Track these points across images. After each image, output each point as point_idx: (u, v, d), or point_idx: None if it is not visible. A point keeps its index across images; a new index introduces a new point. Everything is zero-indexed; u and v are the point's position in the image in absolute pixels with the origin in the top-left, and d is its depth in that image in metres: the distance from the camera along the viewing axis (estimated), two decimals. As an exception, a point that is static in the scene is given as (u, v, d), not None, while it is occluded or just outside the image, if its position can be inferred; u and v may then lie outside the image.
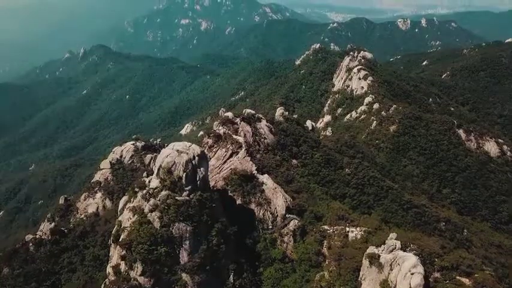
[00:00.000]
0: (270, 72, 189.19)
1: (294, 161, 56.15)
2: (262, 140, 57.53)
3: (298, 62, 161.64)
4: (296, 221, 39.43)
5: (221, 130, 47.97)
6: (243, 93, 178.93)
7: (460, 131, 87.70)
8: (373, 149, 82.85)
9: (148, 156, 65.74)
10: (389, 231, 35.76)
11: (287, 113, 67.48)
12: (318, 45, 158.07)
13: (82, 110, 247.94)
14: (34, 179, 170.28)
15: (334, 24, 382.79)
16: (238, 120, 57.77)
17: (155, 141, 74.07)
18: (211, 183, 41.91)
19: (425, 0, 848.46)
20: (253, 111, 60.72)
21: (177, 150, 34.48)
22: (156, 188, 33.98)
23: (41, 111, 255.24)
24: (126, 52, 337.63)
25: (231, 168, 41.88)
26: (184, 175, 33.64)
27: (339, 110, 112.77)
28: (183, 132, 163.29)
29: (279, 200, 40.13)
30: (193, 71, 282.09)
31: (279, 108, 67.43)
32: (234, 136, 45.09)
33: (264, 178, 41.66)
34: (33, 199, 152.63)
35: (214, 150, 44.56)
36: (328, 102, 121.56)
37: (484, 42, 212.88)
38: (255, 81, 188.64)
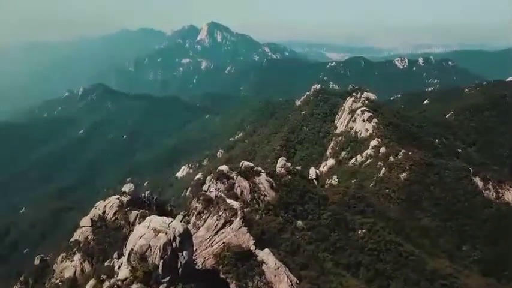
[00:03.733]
0: (270, 113, 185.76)
1: (299, 223, 48.87)
2: (261, 197, 50.75)
3: (298, 103, 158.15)
4: (304, 312, 31.66)
5: (213, 192, 41.10)
6: (242, 133, 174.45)
7: (477, 179, 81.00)
8: (383, 200, 75.85)
9: (134, 213, 58.70)
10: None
11: (289, 164, 61.00)
12: (319, 85, 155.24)
13: (78, 149, 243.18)
14: (23, 223, 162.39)
15: (333, 63, 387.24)
16: (234, 174, 51.39)
17: (143, 194, 67.41)
18: (200, 261, 34.43)
19: (420, 40, 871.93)
20: (251, 164, 54.38)
21: (154, 229, 27.41)
22: (125, 280, 26.69)
23: (36, 150, 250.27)
24: (127, 91, 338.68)
25: (223, 242, 34.59)
26: (161, 263, 26.42)
27: (343, 154, 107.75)
28: (179, 174, 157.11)
29: (283, 284, 32.56)
30: (193, 110, 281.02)
31: (280, 159, 61.06)
32: (228, 201, 38.10)
33: (264, 255, 34.20)
34: (20, 246, 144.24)
35: (203, 217, 37.46)
36: (331, 144, 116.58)
37: (481, 80, 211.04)
38: (255, 121, 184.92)
